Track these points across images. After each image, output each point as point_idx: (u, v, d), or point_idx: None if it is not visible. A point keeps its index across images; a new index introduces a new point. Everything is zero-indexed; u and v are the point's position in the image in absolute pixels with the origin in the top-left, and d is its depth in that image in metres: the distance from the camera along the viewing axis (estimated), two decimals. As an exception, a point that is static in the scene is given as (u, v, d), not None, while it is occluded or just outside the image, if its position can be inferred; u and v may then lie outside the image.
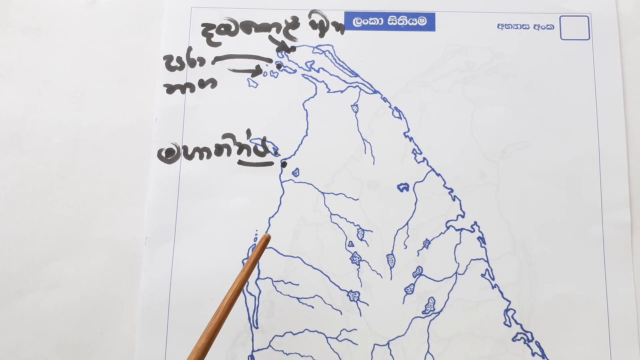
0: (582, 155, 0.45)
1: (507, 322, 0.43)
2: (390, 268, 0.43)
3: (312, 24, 0.47)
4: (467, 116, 0.45)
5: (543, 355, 0.42)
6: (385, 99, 0.46)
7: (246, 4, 0.47)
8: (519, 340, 0.42)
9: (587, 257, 0.43)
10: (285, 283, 0.43)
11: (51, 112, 0.45)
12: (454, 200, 0.44)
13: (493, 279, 0.43)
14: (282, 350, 0.42)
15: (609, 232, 0.43)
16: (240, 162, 0.45)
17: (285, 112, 0.45)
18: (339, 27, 0.47)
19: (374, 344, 0.42)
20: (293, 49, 0.46)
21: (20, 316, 0.43)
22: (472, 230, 0.44)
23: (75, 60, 0.46)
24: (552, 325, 0.42)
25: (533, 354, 0.42)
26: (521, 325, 0.42)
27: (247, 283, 0.43)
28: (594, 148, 0.45)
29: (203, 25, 0.46)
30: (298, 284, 0.43)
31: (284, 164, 0.45)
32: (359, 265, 0.43)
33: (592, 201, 0.44)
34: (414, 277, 0.43)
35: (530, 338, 0.42)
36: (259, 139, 0.45)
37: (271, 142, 0.45)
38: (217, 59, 0.46)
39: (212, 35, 0.46)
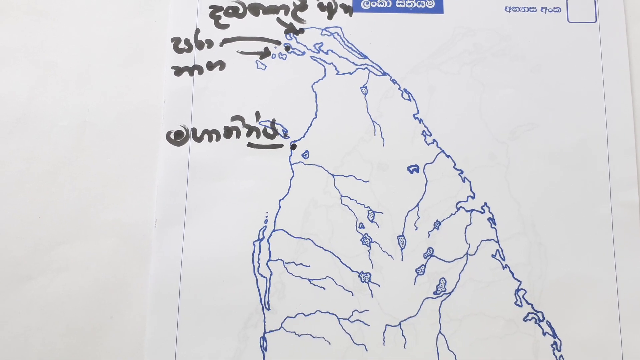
0: (590, 136, 0.45)
1: (518, 302, 0.43)
2: (401, 249, 0.43)
3: (320, 6, 0.46)
4: (476, 98, 0.45)
5: (554, 335, 0.42)
6: (394, 81, 0.46)
7: (254, -14, 0.47)
8: (530, 320, 0.42)
9: (596, 236, 0.43)
10: (297, 265, 0.43)
11: (57, 95, 0.45)
12: (464, 181, 0.44)
13: (503, 260, 0.43)
14: (294, 332, 0.42)
15: (618, 212, 0.44)
16: (249, 145, 0.44)
17: (294, 94, 0.45)
18: (348, 9, 0.46)
19: (386, 325, 0.42)
20: (301, 31, 0.46)
21: (28, 300, 0.42)
22: (482, 211, 0.44)
23: (82, 42, 0.46)
24: (563, 305, 0.43)
25: (544, 334, 0.42)
26: (532, 305, 0.43)
27: (258, 265, 0.43)
28: (601, 129, 0.45)
29: (211, 7, 0.46)
30: (309, 266, 0.43)
31: (293, 146, 0.45)
32: (369, 246, 0.43)
33: (600, 182, 0.44)
34: (425, 258, 0.43)
35: (541, 318, 0.42)
36: (268, 121, 0.45)
37: (280, 125, 0.45)
38: (225, 41, 0.46)
39: (220, 17, 0.46)
